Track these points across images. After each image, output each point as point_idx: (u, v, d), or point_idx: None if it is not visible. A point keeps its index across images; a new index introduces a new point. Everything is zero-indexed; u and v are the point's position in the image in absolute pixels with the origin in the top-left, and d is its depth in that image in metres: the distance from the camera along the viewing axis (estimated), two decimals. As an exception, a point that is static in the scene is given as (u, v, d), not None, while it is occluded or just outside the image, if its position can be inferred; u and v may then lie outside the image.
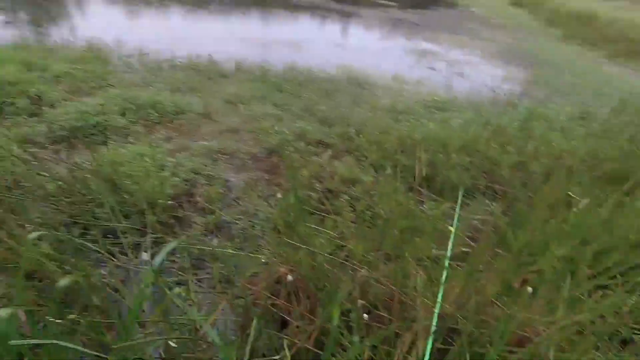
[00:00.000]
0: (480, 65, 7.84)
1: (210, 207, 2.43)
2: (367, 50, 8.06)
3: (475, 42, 9.93)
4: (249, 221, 2.41)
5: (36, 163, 2.45)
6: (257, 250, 2.13)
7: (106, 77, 4.17)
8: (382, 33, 10.38)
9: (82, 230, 2.11)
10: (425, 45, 9.11)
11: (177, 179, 2.56)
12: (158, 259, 1.15)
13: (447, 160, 3.00)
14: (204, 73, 4.94)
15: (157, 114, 3.53)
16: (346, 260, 1.77)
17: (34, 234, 1.26)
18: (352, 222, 2.28)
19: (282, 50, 6.96)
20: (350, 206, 2.53)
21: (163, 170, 2.62)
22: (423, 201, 2.81)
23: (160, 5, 9.71)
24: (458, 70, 7.19)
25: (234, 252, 2.08)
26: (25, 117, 3.11)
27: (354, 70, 6.06)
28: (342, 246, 2.03)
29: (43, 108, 3.25)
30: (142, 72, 4.63)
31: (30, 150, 2.66)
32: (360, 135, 3.46)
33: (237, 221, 2.40)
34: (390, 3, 16.73)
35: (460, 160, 3.00)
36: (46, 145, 2.84)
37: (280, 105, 4.21)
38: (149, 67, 4.87)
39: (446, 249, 1.68)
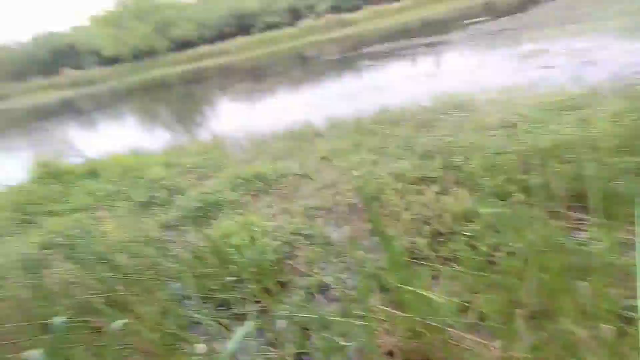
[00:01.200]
0: (608, 48, 6.27)
1: (310, 268, 2.30)
2: (464, 71, 7.45)
3: (589, 26, 8.17)
4: (353, 280, 2.16)
5: (170, 245, 2.80)
6: (364, 316, 1.84)
7: (223, 161, 4.82)
8: (479, 50, 9.59)
9: (202, 302, 2.22)
10: (532, 45, 7.93)
11: (277, 242, 2.56)
12: (231, 346, 1.02)
13: (600, 166, 2.23)
14: (300, 137, 5.26)
15: (261, 184, 3.79)
16: (475, 327, 1.33)
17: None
18: (475, 269, 1.80)
19: (372, 97, 7.01)
20: (471, 248, 2.05)
21: (266, 235, 2.67)
22: (578, 228, 2.10)
23: (265, 90, 11.32)
24: (584, 59, 5.89)
25: (338, 319, 1.84)
26: (164, 206, 3.73)
27: (451, 95, 5.56)
28: (467, 305, 1.58)
29: (176, 196, 3.87)
30: (250, 150, 5.21)
31: (165, 233, 3.10)
32: (470, 162, 2.96)
33: (339, 281, 2.18)
34: (479, 19, 15.68)
35: (622, 164, 2.20)
36: (177, 226, 3.29)
37: (375, 149, 4.05)
38: (256, 143, 5.47)
39: (635, 296, 1.10)
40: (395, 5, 30.44)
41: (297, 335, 1.88)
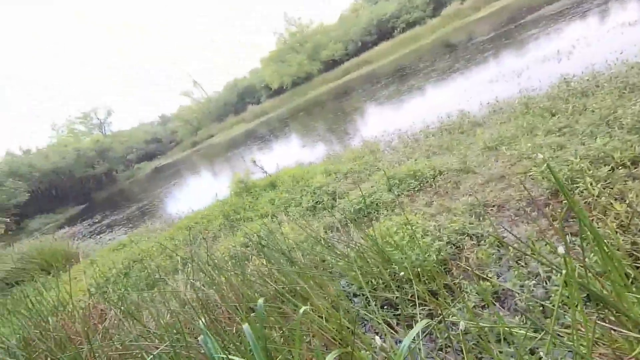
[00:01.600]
0: None
1: (482, 272, 2.03)
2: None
3: None
4: (541, 289, 1.79)
5: (336, 244, 3.04)
6: (568, 333, 1.49)
7: (376, 163, 4.93)
8: None
9: (365, 302, 2.29)
10: None
11: (440, 242, 2.39)
12: (405, 342, 0.99)
13: None
14: (456, 129, 4.83)
15: (416, 182, 3.66)
16: None
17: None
18: None
19: (543, 69, 5.80)
20: None
21: (427, 235, 2.54)
22: None
23: (410, 89, 11.03)
24: None
25: (531, 333, 1.54)
26: (328, 210, 4.09)
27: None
28: None
29: (337, 200, 4.18)
30: (401, 150, 5.13)
31: (332, 234, 3.38)
32: None
33: (524, 288, 1.84)
34: None
35: None
36: (338, 228, 3.54)
37: (558, 131, 3.30)
38: (407, 142, 5.36)
39: None
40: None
41: (474, 345, 1.68)
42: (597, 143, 2.68)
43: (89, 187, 36.96)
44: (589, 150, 2.64)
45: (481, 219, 2.58)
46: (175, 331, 2.15)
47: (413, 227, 2.70)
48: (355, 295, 2.44)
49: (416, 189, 3.60)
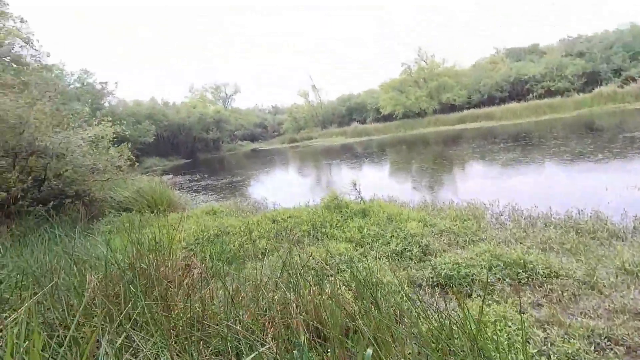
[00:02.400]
0: None
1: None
2: None
3: None
4: None
5: (417, 302, 2.93)
6: None
7: (478, 233, 4.61)
8: None
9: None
10: None
11: (545, 359, 2.13)
12: None
13: None
14: (586, 232, 4.24)
15: (525, 274, 3.32)
16: None
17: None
18: None
19: None
20: None
21: (529, 344, 2.29)
22: None
23: (534, 162, 10.03)
24: None
25: None
26: (415, 262, 3.97)
27: None
28: None
29: (428, 256, 4.03)
30: (512, 229, 4.71)
31: (415, 289, 3.28)
32: None
33: None
34: None
35: None
36: (425, 287, 3.40)
37: None
38: (520, 223, 4.89)
39: None
40: None
41: None
42: None
43: (197, 146, 42.20)
44: None
45: (604, 354, 2.22)
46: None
47: (513, 326, 2.47)
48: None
49: (523, 281, 3.27)
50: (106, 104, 33.61)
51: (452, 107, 33.30)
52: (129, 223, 6.80)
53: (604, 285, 3.01)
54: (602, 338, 2.37)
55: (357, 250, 4.43)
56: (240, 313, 2.71)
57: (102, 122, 8.82)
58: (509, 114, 25.92)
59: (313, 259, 4.12)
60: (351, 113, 46.37)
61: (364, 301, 2.67)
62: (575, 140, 12.90)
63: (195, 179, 19.44)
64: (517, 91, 31.74)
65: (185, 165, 33.22)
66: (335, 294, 3.03)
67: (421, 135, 26.73)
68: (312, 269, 3.72)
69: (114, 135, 9.32)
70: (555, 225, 4.64)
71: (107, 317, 2.55)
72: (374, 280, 3.07)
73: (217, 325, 2.39)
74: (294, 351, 1.98)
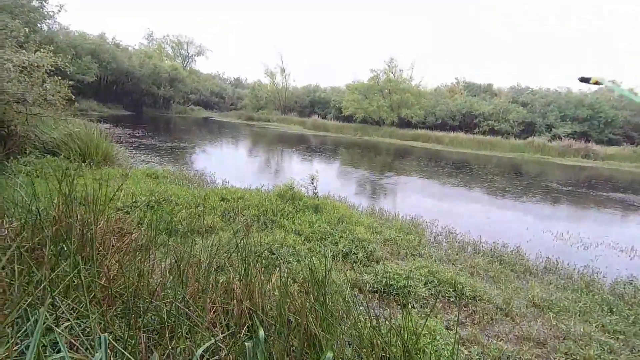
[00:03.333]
0: None
1: None
2: None
3: None
4: None
5: (359, 306, 3.04)
6: None
7: (418, 248, 4.93)
8: None
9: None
10: None
11: (466, 375, 2.35)
12: None
13: None
14: (507, 264, 4.77)
15: (454, 293, 3.63)
16: None
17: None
18: None
19: (613, 257, 5.66)
20: None
21: (453, 357, 2.51)
22: None
23: (471, 190, 10.99)
24: None
25: None
26: (359, 265, 4.11)
27: None
28: None
29: (372, 262, 4.20)
30: (447, 250, 5.11)
31: (356, 292, 3.39)
32: None
33: None
34: None
35: None
36: (367, 292, 3.54)
37: (613, 332, 3.20)
38: (454, 246, 5.33)
39: None
40: (673, 154, 23.99)
41: None
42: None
43: (145, 100, 38.82)
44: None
45: (512, 376, 2.52)
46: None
47: (441, 340, 2.68)
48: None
49: (452, 300, 3.57)
50: (44, 27, 29.22)
51: (408, 123, 34.98)
52: (57, 169, 6.02)
53: (517, 314, 3.42)
54: (511, 360, 2.69)
55: (305, 244, 4.45)
56: (182, 290, 2.56)
57: (41, 49, 7.67)
58: (456, 142, 28.01)
59: (262, 245, 4.05)
60: (313, 105, 46.29)
61: (313, 297, 2.70)
62: (507, 179, 14.39)
63: (138, 135, 17.90)
64: (467, 123, 34.39)
65: (128, 117, 30.40)
66: (286, 285, 3.01)
67: (375, 143, 27.68)
68: (259, 256, 3.65)
69: (52, 68, 8.15)
70: (483, 253, 5.14)
71: (24, 275, 2.24)
72: (324, 277, 3.11)
73: (155, 299, 2.23)
74: (246, 343, 1.93)
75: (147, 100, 39.13)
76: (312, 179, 6.34)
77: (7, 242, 2.64)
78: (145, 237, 3.45)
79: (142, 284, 2.38)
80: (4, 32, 7.57)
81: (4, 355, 1.48)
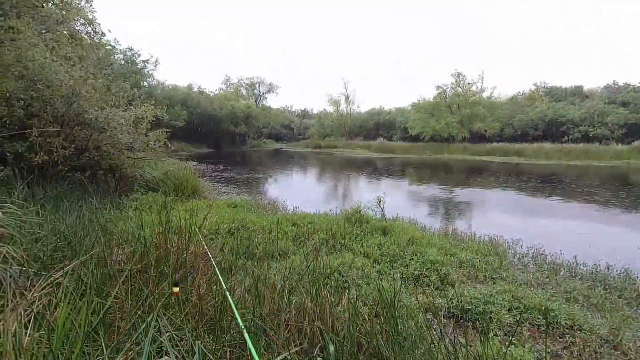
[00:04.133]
0: None
1: None
2: None
3: None
4: None
5: (432, 331, 2.92)
6: None
7: (499, 270, 4.53)
8: None
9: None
10: None
11: (563, 413, 2.08)
12: None
13: None
14: (614, 289, 4.10)
15: (544, 321, 3.24)
16: None
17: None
18: None
19: None
20: None
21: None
22: None
23: (561, 213, 9.74)
24: None
25: None
26: (432, 289, 3.94)
27: None
28: None
29: (446, 285, 4.00)
30: (534, 272, 4.60)
31: (430, 317, 3.26)
32: None
33: None
34: None
35: None
36: (441, 316, 3.38)
37: None
38: (544, 269, 4.78)
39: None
40: None
41: None
42: None
43: (224, 138, 43.12)
44: None
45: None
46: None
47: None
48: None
49: (542, 328, 3.20)
50: (145, 84, 34.95)
51: (481, 137, 32.74)
52: (157, 203, 7.04)
53: (629, 348, 2.91)
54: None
55: (374, 267, 4.44)
56: (260, 309, 2.77)
57: (145, 104, 9.21)
58: (541, 153, 25.25)
59: (330, 268, 4.16)
60: (378, 128, 46.33)
61: (383, 319, 2.69)
62: (609, 191, 12.43)
63: (219, 169, 19.87)
64: (552, 132, 30.89)
65: (210, 154, 34.00)
66: (355, 306, 3.06)
67: (446, 160, 26.38)
68: (328, 278, 3.75)
69: (153, 118, 9.69)
70: (581, 276, 4.50)
71: (133, 292, 2.67)
72: (394, 300, 3.08)
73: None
74: (318, 358, 2.02)
75: (226, 138, 43.40)
76: (379, 201, 6.33)
77: (122, 265, 3.20)
78: (226, 261, 3.82)
79: (226, 302, 2.66)
80: (119, 94, 9.33)
81: (122, 358, 1.81)
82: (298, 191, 13.77)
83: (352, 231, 5.68)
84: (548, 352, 2.84)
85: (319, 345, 2.56)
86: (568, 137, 29.18)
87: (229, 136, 44.08)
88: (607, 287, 4.18)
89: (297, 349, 2.13)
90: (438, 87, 35.97)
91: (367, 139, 43.93)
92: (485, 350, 2.47)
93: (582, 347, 2.94)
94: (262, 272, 3.51)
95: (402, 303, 2.88)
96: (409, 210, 9.00)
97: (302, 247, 5.18)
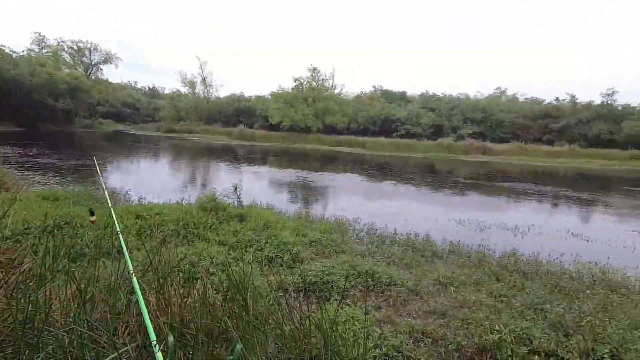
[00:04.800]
0: None
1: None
2: (623, 245, 6.47)
3: None
4: None
5: (283, 307, 3.14)
6: None
7: (342, 245, 5.22)
8: (645, 225, 8.24)
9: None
10: None
11: (379, 351, 2.61)
12: None
13: None
14: (419, 251, 5.32)
15: (372, 282, 3.95)
16: None
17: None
18: None
19: (501, 236, 6.67)
20: None
21: (368, 339, 2.75)
22: None
23: (390, 194, 11.91)
24: None
25: None
26: (285, 268, 4.22)
27: (603, 268, 4.91)
28: None
29: (297, 264, 4.34)
30: (367, 244, 5.50)
31: (281, 294, 3.49)
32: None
33: None
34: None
35: None
36: (292, 292, 3.66)
37: (499, 296, 3.81)
38: (374, 240, 5.76)
39: None
40: (545, 148, 29.14)
41: None
42: (523, 324, 3.16)
43: (41, 114, 33.80)
44: (516, 326, 3.10)
45: (418, 346, 2.86)
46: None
47: (359, 325, 2.91)
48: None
49: (370, 287, 3.88)
50: None
51: (333, 130, 36.41)
52: None
53: (425, 293, 3.86)
54: (419, 333, 3.05)
55: (230, 254, 4.41)
56: (86, 316, 2.38)
57: None
58: (378, 145, 30.03)
59: (181, 260, 3.90)
60: (239, 115, 45.39)
61: (234, 303, 2.72)
62: (422, 177, 15.91)
63: (31, 153, 15.57)
64: (386, 128, 37.09)
65: (18, 134, 26.19)
66: (205, 295, 2.97)
67: (303, 150, 28.23)
68: (180, 271, 3.53)
69: None
70: (398, 243, 5.65)
71: None
72: (245, 283, 3.14)
73: (59, 329, 2.04)
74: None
75: (43, 114, 34.12)
76: (235, 188, 6.28)
77: None
78: (40, 266, 3.09)
79: (39, 316, 2.17)
80: None
81: None
82: (145, 180, 12.19)
83: (207, 220, 5.46)
84: (372, 306, 3.47)
85: (164, 340, 2.39)
86: (397, 133, 35.64)
87: (47, 112, 34.78)
88: (414, 249, 5.39)
89: (132, 345, 1.94)
90: (296, 80, 37.82)
91: (227, 125, 42.47)
92: (324, 314, 2.82)
93: (395, 297, 3.72)
94: (93, 273, 3.00)
95: (253, 285, 2.97)
96: (267, 196, 9.26)
97: (148, 240, 4.66)
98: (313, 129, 35.38)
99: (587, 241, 6.63)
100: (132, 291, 3.12)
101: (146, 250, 3.04)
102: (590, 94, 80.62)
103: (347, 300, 3.51)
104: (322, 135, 34.23)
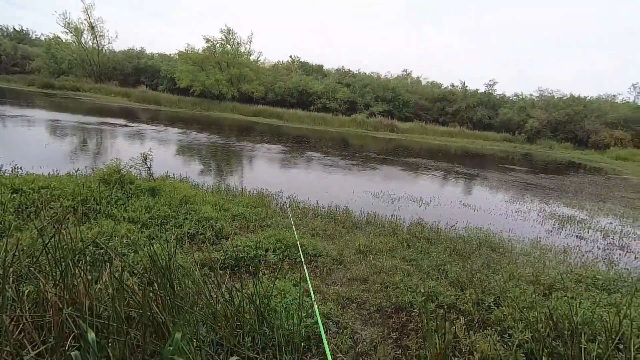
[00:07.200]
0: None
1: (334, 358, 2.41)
2: (498, 212, 7.86)
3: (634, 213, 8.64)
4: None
5: (210, 285, 2.99)
6: None
7: (266, 219, 5.16)
8: (513, 196, 10.14)
9: (225, 355, 2.34)
10: (566, 210, 8.40)
11: (311, 320, 2.71)
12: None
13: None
14: (340, 222, 5.60)
15: (299, 255, 4.03)
16: None
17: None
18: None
19: (409, 207, 7.44)
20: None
21: (300, 309, 2.84)
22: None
23: (310, 167, 12.14)
24: (618, 242, 6.18)
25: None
26: (208, 244, 4.00)
27: (485, 232, 5.90)
28: None
29: (221, 239, 4.15)
30: (291, 217, 5.55)
31: (207, 272, 3.32)
32: (501, 307, 3.14)
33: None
34: (517, 167, 16.75)
35: None
36: (217, 269, 3.50)
37: (410, 261, 4.29)
38: (297, 213, 5.84)
39: None
40: (441, 128, 33.09)
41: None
42: (430, 283, 3.65)
43: None
44: (425, 286, 3.56)
45: (345, 311, 3.06)
46: None
47: (290, 297, 2.97)
48: (221, 345, 2.44)
49: (298, 260, 3.96)
50: None
51: (250, 99, 34.94)
52: None
53: (348, 262, 4.12)
54: (345, 299, 3.26)
55: (142, 232, 3.97)
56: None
57: None
58: (295, 118, 29.98)
59: (83, 241, 3.37)
60: (139, 74, 39.98)
61: (156, 286, 2.48)
62: (337, 150, 16.55)
63: None
64: (303, 100, 37.15)
65: None
66: (118, 280, 2.65)
67: (217, 118, 26.54)
68: (81, 253, 3.06)
69: None
70: (321, 216, 5.85)
71: None
72: (165, 263, 2.88)
73: None
74: (72, 353, 1.62)
75: None
76: (145, 159, 5.59)
77: None
78: None
79: None
80: None
81: None
82: (20, 146, 10.00)
83: (112, 194, 4.78)
84: (302, 277, 3.56)
85: (72, 335, 2.08)
86: (314, 106, 36.04)
87: None
88: (336, 221, 5.65)
89: (40, 349, 1.65)
90: (207, 40, 34.62)
91: (124, 85, 37.11)
92: (257, 289, 2.79)
93: (322, 267, 3.89)
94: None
95: (177, 264, 2.75)
96: (179, 168, 8.53)
97: (34, 220, 3.88)
98: (228, 97, 33.37)
99: (474, 210, 7.87)
100: (22, 279, 2.62)
101: (38, 231, 2.53)
102: (477, 82, 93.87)
103: (276, 274, 3.53)
104: (237, 103, 32.60)
